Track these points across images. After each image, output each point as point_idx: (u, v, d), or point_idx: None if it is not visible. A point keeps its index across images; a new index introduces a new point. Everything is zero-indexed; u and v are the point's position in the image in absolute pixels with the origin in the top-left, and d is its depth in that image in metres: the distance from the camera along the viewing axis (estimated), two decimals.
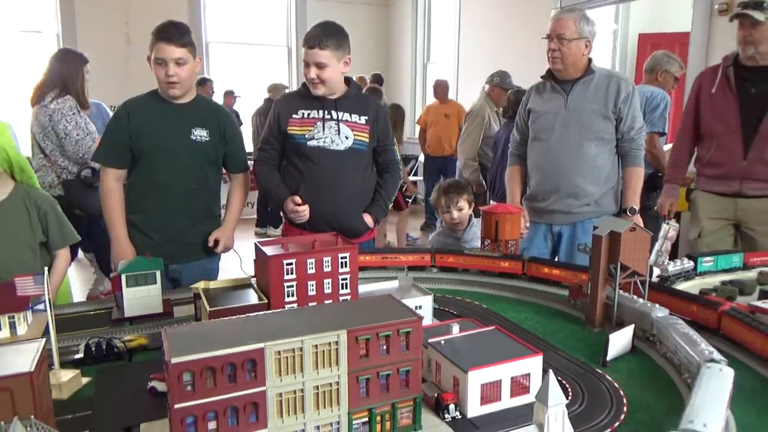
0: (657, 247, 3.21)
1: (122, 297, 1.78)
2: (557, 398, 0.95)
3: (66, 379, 1.39)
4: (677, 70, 4.09)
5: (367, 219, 2.43)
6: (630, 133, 2.58)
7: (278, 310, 1.30)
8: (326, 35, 2.30)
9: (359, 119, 2.39)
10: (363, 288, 1.73)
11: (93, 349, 1.52)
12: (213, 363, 0.98)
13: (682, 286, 2.07)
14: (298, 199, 2.32)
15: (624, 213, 2.63)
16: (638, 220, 2.62)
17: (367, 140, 2.40)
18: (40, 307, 1.52)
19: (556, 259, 2.68)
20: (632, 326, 1.54)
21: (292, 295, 1.50)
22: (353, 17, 9.64)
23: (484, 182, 4.82)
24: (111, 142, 2.33)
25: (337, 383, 1.08)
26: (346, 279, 1.55)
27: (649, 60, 4.08)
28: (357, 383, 1.10)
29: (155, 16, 8.72)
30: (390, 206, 2.52)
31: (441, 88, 6.81)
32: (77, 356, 1.52)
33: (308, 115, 2.36)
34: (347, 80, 2.46)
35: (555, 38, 2.50)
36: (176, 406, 0.97)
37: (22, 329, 1.69)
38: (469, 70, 7.65)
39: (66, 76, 3.52)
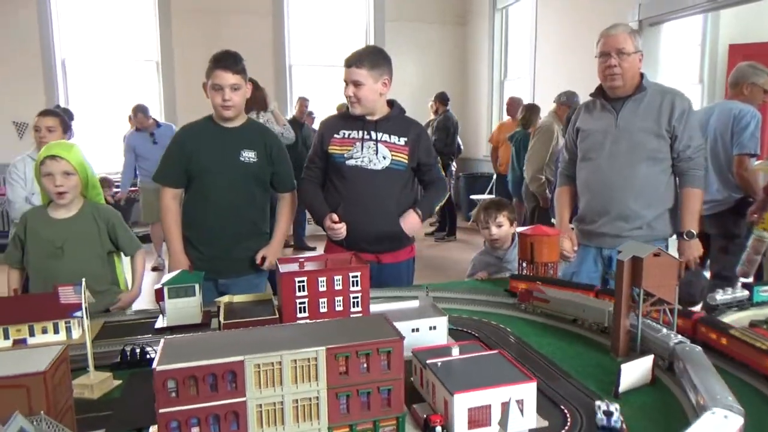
0: (743, 257, 3.01)
1: (165, 307, 1.92)
2: (517, 425, 0.94)
3: (98, 381, 1.52)
4: (766, 82, 3.80)
5: (409, 218, 2.43)
6: (686, 152, 2.45)
7: (277, 324, 1.36)
8: (364, 55, 2.39)
9: (398, 140, 2.44)
10: (382, 306, 1.77)
11: (128, 354, 1.65)
12: (195, 372, 1.05)
13: (731, 317, 1.94)
14: (335, 216, 2.40)
15: (680, 237, 2.49)
16: (695, 245, 2.47)
17: (406, 161, 2.45)
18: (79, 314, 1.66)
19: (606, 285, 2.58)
20: (651, 356, 1.47)
21: (304, 311, 1.56)
22: (430, 37, 9.76)
23: (550, 196, 4.76)
24: (168, 164, 2.54)
25: (317, 398, 1.12)
26: (357, 297, 1.59)
27: (734, 72, 3.81)
28: (337, 399, 1.13)
29: (243, 42, 9.27)
30: (436, 209, 2.56)
31: (514, 106, 6.73)
32: (114, 361, 1.65)
33: (348, 135, 2.45)
34: (390, 102, 2.52)
35: (615, 54, 2.42)
36: (161, 410, 1.05)
37: (77, 333, 1.87)
38: (544, 87, 7.50)
39: None
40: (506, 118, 6.98)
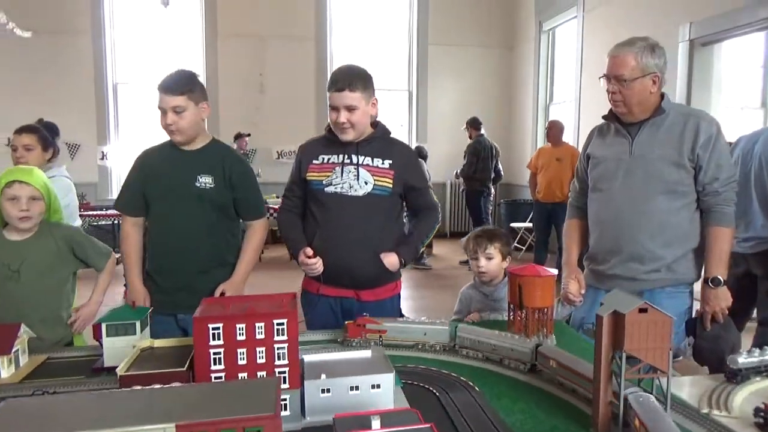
0: None
1: (103, 346, 1.76)
2: None
3: None
4: None
5: (390, 258, 2.21)
6: (713, 185, 2.10)
7: (142, 388, 1.14)
8: (355, 77, 2.19)
9: (382, 163, 2.23)
10: (322, 357, 1.55)
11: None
12: None
13: (757, 386, 1.60)
14: (309, 251, 2.19)
15: (705, 284, 2.13)
16: (722, 294, 2.11)
17: (390, 185, 2.22)
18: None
19: None
20: None
21: (219, 363, 1.35)
22: (474, 61, 9.54)
23: None
24: (126, 190, 2.42)
25: None
26: (283, 348, 1.37)
27: None
28: None
29: (285, 66, 9.33)
30: (422, 249, 2.31)
31: (554, 130, 6.39)
32: None
33: (328, 160, 2.25)
34: (375, 123, 2.31)
35: (613, 79, 2.14)
36: None
37: (5, 372, 1.73)
38: (590, 111, 7.11)
39: None
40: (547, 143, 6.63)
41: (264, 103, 9.15)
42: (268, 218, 2.55)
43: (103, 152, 8.99)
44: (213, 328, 1.34)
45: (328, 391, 1.39)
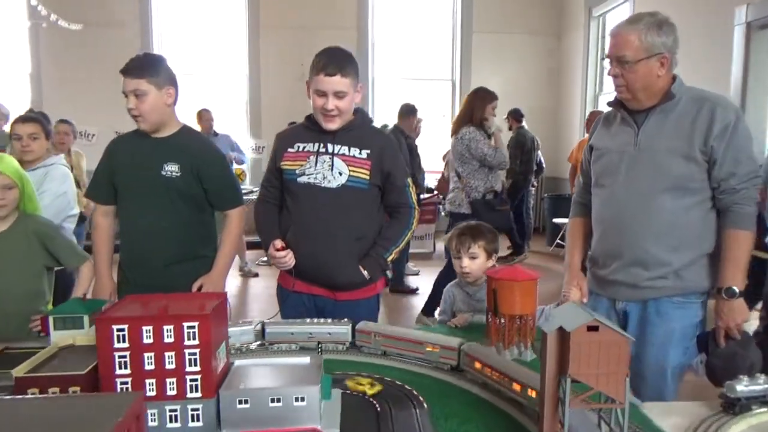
0: None
1: (50, 340, 1.69)
2: None
3: None
4: None
5: (364, 271, 2.06)
6: (730, 181, 1.82)
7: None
8: (345, 62, 2.04)
9: (359, 153, 2.06)
10: (253, 361, 1.43)
11: None
12: None
13: (759, 419, 1.37)
14: (278, 243, 2.06)
15: (718, 294, 1.87)
16: (738, 307, 1.83)
17: (367, 177, 2.05)
18: None
19: None
20: None
21: (125, 367, 1.23)
22: (520, 49, 9.17)
23: None
24: (96, 178, 2.35)
25: None
26: (194, 354, 1.24)
27: None
28: None
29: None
30: (391, 258, 2.11)
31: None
32: None
33: (303, 148, 2.10)
34: (356, 110, 2.16)
35: (614, 61, 1.90)
36: None
37: None
38: None
39: (474, 110, 4.27)
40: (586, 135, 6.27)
41: (305, 92, 9.11)
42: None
43: None
44: (117, 330, 1.22)
45: (246, 402, 1.26)
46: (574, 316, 1.10)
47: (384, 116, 9.12)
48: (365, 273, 2.06)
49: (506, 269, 1.75)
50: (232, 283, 6.04)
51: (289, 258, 2.05)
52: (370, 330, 1.77)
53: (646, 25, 1.84)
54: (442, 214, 8.08)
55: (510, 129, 7.24)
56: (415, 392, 1.48)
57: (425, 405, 1.42)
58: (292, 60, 9.09)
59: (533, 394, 1.30)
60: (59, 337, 1.57)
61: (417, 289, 5.68)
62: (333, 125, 2.07)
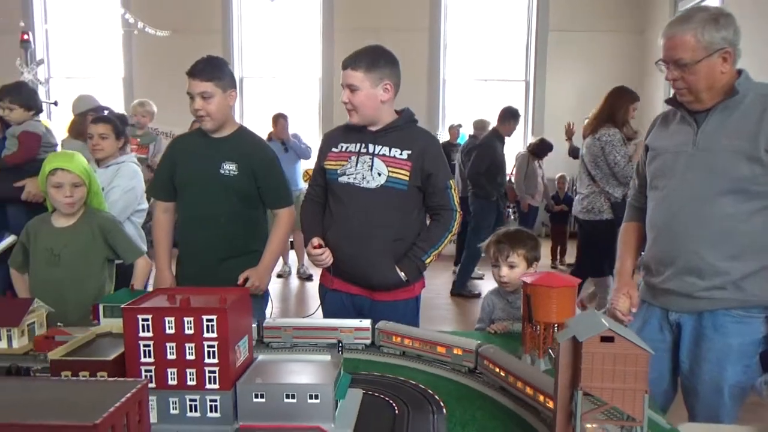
0: None
1: None
2: None
3: None
4: None
5: (401, 273, 2.05)
6: None
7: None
8: (361, 55, 2.05)
9: (400, 154, 2.05)
10: (276, 357, 1.46)
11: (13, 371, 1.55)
12: None
13: None
14: (316, 241, 2.08)
15: None
16: None
17: (406, 178, 2.03)
18: None
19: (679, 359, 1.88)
20: None
21: (149, 356, 1.29)
22: (600, 47, 8.80)
23: None
24: (158, 177, 2.46)
25: None
26: (213, 346, 1.28)
27: None
28: None
29: (399, 56, 9.31)
30: (429, 261, 2.07)
31: None
32: None
33: (345, 148, 2.12)
34: (400, 111, 2.14)
35: (672, 66, 1.77)
36: None
37: (17, 342, 1.83)
38: None
39: (615, 110, 3.95)
40: None
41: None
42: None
43: None
44: (142, 320, 1.28)
45: (262, 396, 1.28)
46: (589, 325, 1.04)
47: (455, 117, 9.06)
48: (402, 274, 2.04)
49: (543, 275, 1.68)
50: (293, 284, 6.20)
51: (325, 256, 2.07)
52: (390, 330, 1.75)
53: (700, 21, 1.71)
54: (512, 218, 7.90)
55: None
56: (436, 396, 1.45)
57: (444, 410, 1.39)
58: None
59: (548, 402, 1.24)
60: (103, 324, 1.67)
61: (479, 294, 5.57)
62: (352, 119, 2.10)
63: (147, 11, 8.94)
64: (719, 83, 1.75)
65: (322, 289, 2.22)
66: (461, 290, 5.61)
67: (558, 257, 7.30)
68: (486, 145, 5.55)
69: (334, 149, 2.15)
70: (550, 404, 1.24)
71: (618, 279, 2.04)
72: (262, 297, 2.39)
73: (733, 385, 1.76)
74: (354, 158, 2.07)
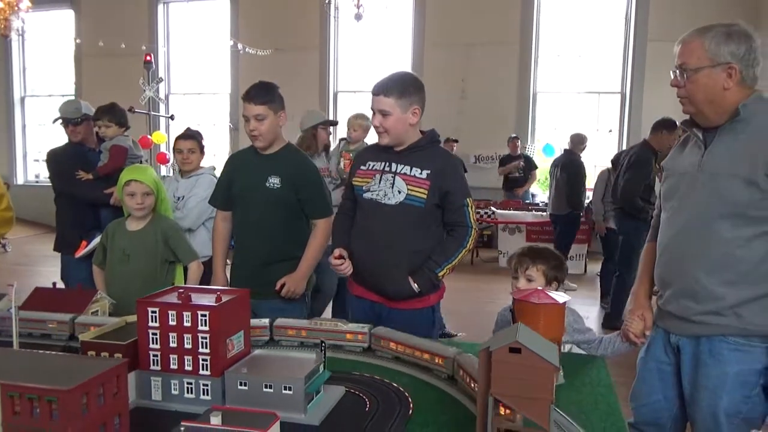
0: None
1: None
2: None
3: None
4: None
5: (413, 284, 2.17)
6: None
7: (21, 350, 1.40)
8: (392, 83, 2.20)
9: (420, 173, 2.17)
10: (267, 352, 1.65)
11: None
12: None
13: None
14: (337, 252, 2.25)
15: None
16: None
17: (424, 196, 2.15)
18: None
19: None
20: None
21: (156, 343, 1.52)
22: None
23: None
24: (217, 188, 2.76)
25: None
26: (205, 338, 1.49)
27: None
28: None
29: (487, 72, 9.28)
30: (443, 274, 2.17)
31: None
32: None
33: (372, 166, 2.28)
34: (425, 131, 2.28)
35: (678, 70, 1.77)
36: None
37: None
38: None
39: None
40: None
41: (465, 108, 9.26)
42: None
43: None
44: (151, 311, 1.52)
45: (245, 384, 1.48)
46: (505, 336, 1.13)
47: (545, 131, 8.93)
48: (415, 286, 2.16)
49: (532, 291, 1.73)
50: None
51: (345, 266, 2.24)
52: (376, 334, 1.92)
53: (715, 33, 1.71)
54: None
55: None
56: (409, 398, 1.56)
57: (410, 410, 1.50)
58: (453, 76, 9.32)
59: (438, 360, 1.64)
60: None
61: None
62: (383, 140, 2.24)
63: (251, 32, 9.68)
64: (721, 99, 1.72)
65: (347, 295, 2.39)
66: (616, 322, 4.95)
67: None
68: (643, 161, 4.95)
69: (362, 167, 2.32)
70: (440, 361, 1.70)
71: (633, 300, 2.03)
72: (302, 300, 2.61)
73: (731, 414, 1.70)
74: (378, 176, 2.23)
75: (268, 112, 2.53)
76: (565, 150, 6.68)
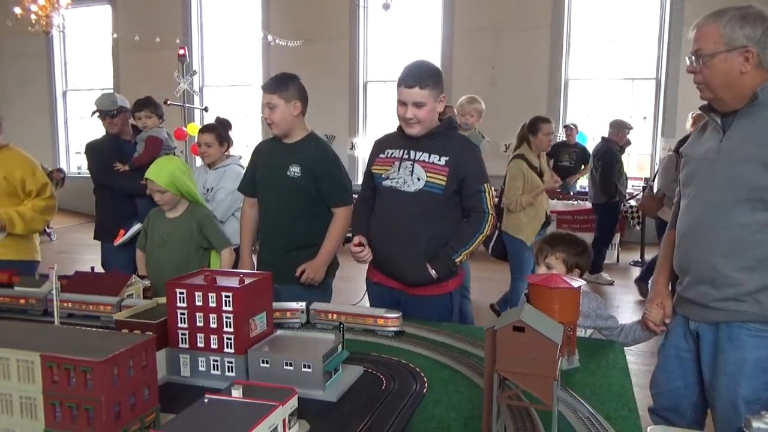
0: None
1: None
2: None
3: None
4: None
5: (431, 270, 2.21)
6: None
7: (60, 326, 1.57)
8: (427, 75, 2.21)
9: (438, 160, 2.20)
10: (290, 333, 1.72)
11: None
12: None
13: None
14: (356, 239, 2.30)
15: None
16: None
17: (443, 183, 2.19)
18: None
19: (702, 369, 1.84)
20: None
21: (184, 323, 1.61)
22: None
23: None
24: (245, 176, 2.84)
25: (35, 399, 1.20)
26: (229, 318, 1.57)
27: None
28: (52, 406, 1.19)
29: (518, 58, 9.18)
30: (460, 259, 2.20)
31: None
32: None
33: (391, 154, 2.31)
34: (444, 118, 2.31)
35: (694, 57, 1.76)
36: None
37: None
38: None
39: None
40: None
41: (495, 95, 9.19)
42: None
43: (352, 143, 10.14)
44: (179, 293, 1.61)
45: (267, 362, 1.55)
46: (511, 316, 1.17)
47: (577, 118, 8.79)
48: (432, 272, 2.20)
49: (547, 276, 1.76)
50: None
51: (364, 254, 2.30)
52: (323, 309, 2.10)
53: (729, 17, 1.69)
54: (633, 225, 7.51)
55: None
56: (425, 378, 1.62)
57: (425, 389, 1.56)
58: (483, 63, 9.26)
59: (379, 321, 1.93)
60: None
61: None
62: (413, 131, 2.25)
63: (282, 24, 9.78)
64: (739, 84, 1.70)
65: (368, 282, 2.44)
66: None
67: None
68: None
69: (381, 155, 2.36)
70: (381, 322, 1.99)
71: (653, 288, 2.04)
72: (323, 287, 2.67)
73: (750, 400, 1.69)
74: (397, 164, 2.27)
75: (279, 101, 2.58)
76: (602, 138, 6.58)
